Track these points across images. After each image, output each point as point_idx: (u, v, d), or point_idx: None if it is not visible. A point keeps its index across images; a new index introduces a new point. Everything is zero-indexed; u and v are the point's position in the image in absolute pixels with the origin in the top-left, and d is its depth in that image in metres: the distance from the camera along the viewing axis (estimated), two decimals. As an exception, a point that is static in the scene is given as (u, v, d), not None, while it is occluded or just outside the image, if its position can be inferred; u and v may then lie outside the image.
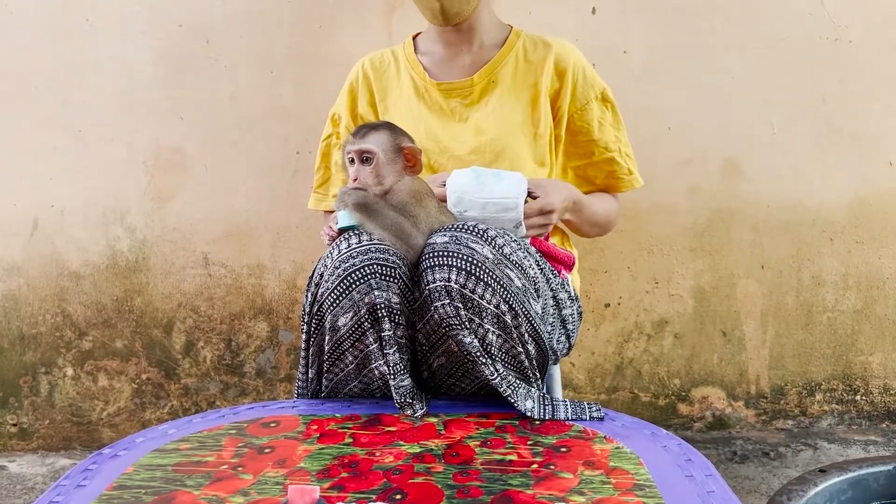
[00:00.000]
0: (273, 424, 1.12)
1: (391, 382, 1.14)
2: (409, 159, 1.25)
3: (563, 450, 1.01)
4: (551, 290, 1.30)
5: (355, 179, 1.22)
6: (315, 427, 1.10)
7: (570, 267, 1.42)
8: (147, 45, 1.91)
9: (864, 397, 2.04)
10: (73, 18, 1.90)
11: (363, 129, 1.24)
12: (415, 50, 1.54)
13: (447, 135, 1.45)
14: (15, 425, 2.02)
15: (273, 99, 1.92)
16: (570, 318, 1.37)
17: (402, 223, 1.18)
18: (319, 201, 1.63)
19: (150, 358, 2.00)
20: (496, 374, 1.13)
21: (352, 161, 1.23)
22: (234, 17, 1.90)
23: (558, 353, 1.37)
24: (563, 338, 1.36)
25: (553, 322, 1.31)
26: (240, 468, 0.97)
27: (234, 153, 1.94)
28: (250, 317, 2.00)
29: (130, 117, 1.93)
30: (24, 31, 1.90)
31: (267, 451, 1.03)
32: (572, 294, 1.41)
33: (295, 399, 1.25)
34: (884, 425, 2.03)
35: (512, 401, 1.13)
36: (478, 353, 1.12)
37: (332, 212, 1.56)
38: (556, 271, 1.35)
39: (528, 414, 1.12)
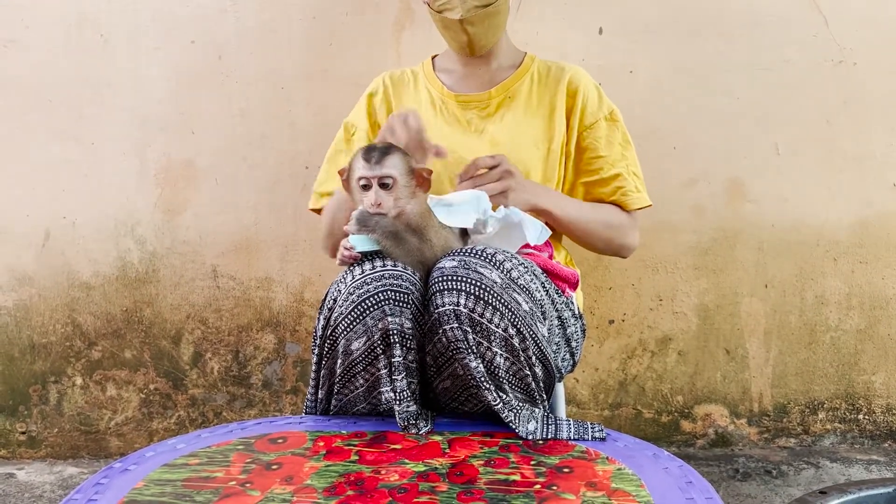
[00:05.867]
0: (280, 440, 1.14)
1: (396, 408, 1.16)
2: (420, 180, 1.24)
3: (566, 470, 1.03)
4: (556, 310, 1.31)
5: (379, 205, 1.19)
6: (322, 444, 1.12)
7: (574, 285, 1.44)
8: (160, 61, 1.94)
9: (866, 416, 2.04)
10: (88, 34, 1.93)
11: (375, 154, 1.21)
12: (434, 68, 1.59)
13: (463, 145, 1.48)
14: (24, 433, 2.04)
15: (283, 115, 1.95)
16: (574, 336, 1.39)
17: (423, 247, 1.21)
18: (316, 201, 1.61)
19: (158, 368, 2.02)
20: (498, 400, 1.15)
21: (365, 186, 1.21)
22: (246, 35, 1.93)
23: (562, 371, 1.39)
24: (567, 355, 1.38)
25: (558, 341, 1.33)
26: (248, 484, 0.99)
27: (243, 168, 1.97)
28: (258, 329, 2.02)
29: (142, 131, 1.96)
30: (39, 46, 1.93)
31: (274, 467, 1.05)
32: (576, 312, 1.43)
33: (302, 415, 1.27)
34: (886, 444, 2.04)
35: (513, 426, 1.14)
36: (481, 378, 1.14)
37: (320, 210, 1.58)
38: (560, 290, 1.36)
39: (530, 437, 1.14)
